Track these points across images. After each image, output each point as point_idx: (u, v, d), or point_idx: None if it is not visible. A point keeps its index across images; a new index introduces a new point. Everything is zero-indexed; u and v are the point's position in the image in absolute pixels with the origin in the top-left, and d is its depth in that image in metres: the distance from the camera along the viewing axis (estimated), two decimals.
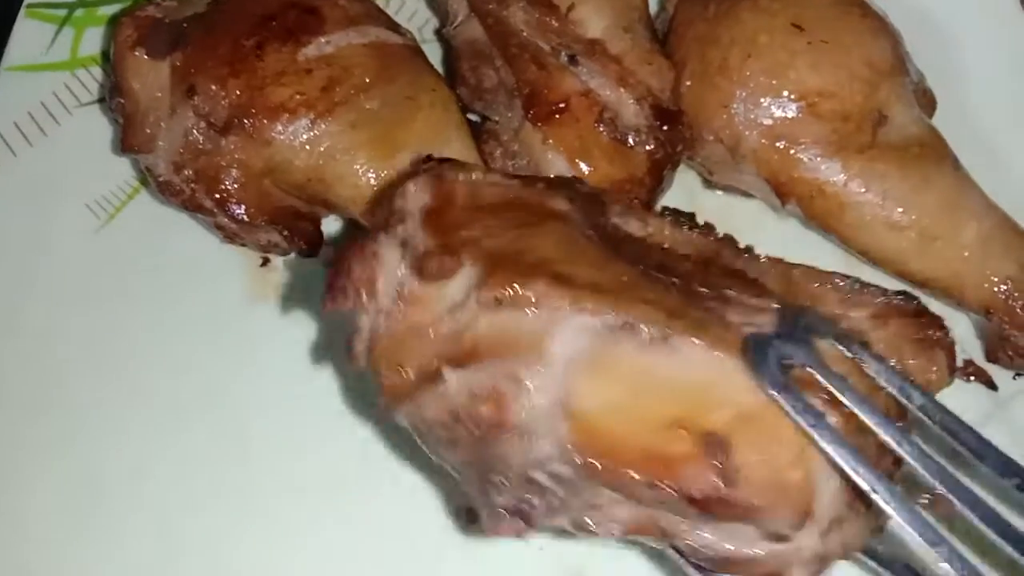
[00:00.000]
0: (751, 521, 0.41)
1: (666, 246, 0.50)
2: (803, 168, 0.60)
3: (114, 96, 0.60)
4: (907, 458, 0.41)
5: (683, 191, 0.66)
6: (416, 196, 0.46)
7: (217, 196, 0.58)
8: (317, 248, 0.61)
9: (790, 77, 0.59)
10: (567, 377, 0.42)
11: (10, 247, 0.62)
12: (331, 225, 0.63)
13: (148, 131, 0.59)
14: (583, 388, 0.41)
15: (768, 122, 0.60)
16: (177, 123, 0.58)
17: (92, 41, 0.70)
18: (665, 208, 0.55)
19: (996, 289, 0.59)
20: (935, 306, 0.61)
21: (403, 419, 0.45)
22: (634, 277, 0.44)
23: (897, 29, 0.64)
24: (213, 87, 0.57)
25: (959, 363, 0.60)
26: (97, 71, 0.69)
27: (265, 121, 0.56)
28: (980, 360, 0.61)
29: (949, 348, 0.50)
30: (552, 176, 0.54)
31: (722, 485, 0.40)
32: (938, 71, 0.66)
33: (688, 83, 0.62)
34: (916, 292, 0.60)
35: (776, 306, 0.45)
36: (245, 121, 0.56)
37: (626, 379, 0.41)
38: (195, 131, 0.58)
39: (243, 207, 0.58)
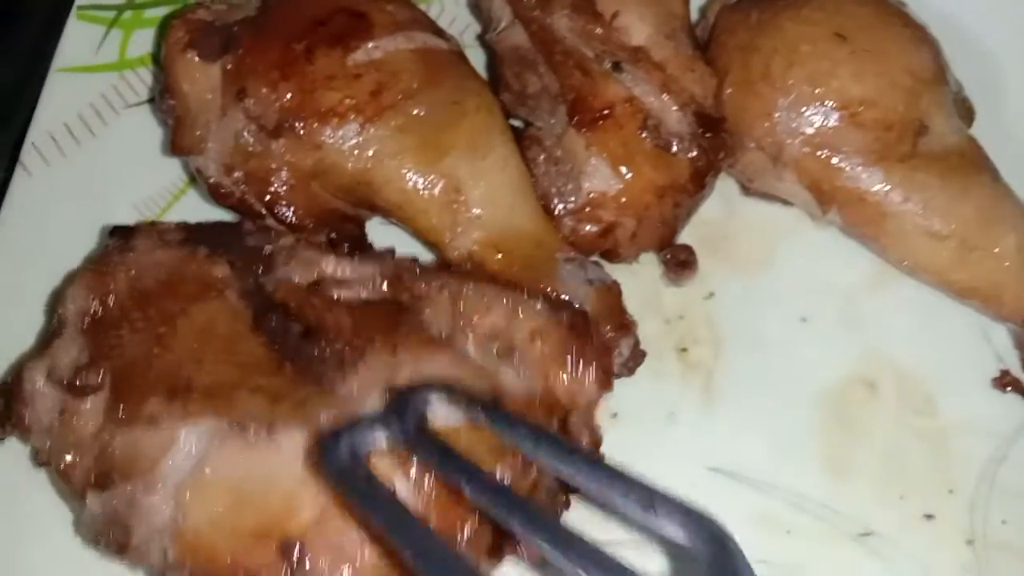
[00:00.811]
0: None
1: (334, 294, 0.53)
2: (845, 177, 0.60)
3: (164, 98, 0.61)
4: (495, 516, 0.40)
5: (720, 198, 0.67)
6: (75, 302, 0.53)
7: (267, 198, 0.59)
8: (361, 250, 0.62)
9: (832, 86, 0.60)
10: (177, 495, 0.46)
11: (61, 244, 0.63)
12: (375, 229, 0.64)
13: (198, 133, 0.60)
14: (190, 503, 0.46)
15: (810, 131, 0.60)
16: (228, 125, 0.59)
17: (140, 43, 0.71)
18: (341, 241, 0.58)
19: None
20: (971, 317, 0.62)
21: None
22: (260, 357, 0.49)
23: (936, 39, 0.65)
24: (264, 90, 0.58)
25: (996, 373, 0.62)
26: (144, 72, 0.70)
27: (315, 124, 0.57)
28: (1017, 370, 0.62)
29: (603, 363, 0.51)
30: (221, 227, 0.58)
31: None
32: (976, 81, 0.66)
33: (730, 91, 0.63)
34: (956, 301, 0.62)
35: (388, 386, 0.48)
36: (296, 124, 0.57)
37: (228, 489, 0.46)
38: (246, 133, 0.58)
39: (292, 209, 0.59)
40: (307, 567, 0.45)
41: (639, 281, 0.65)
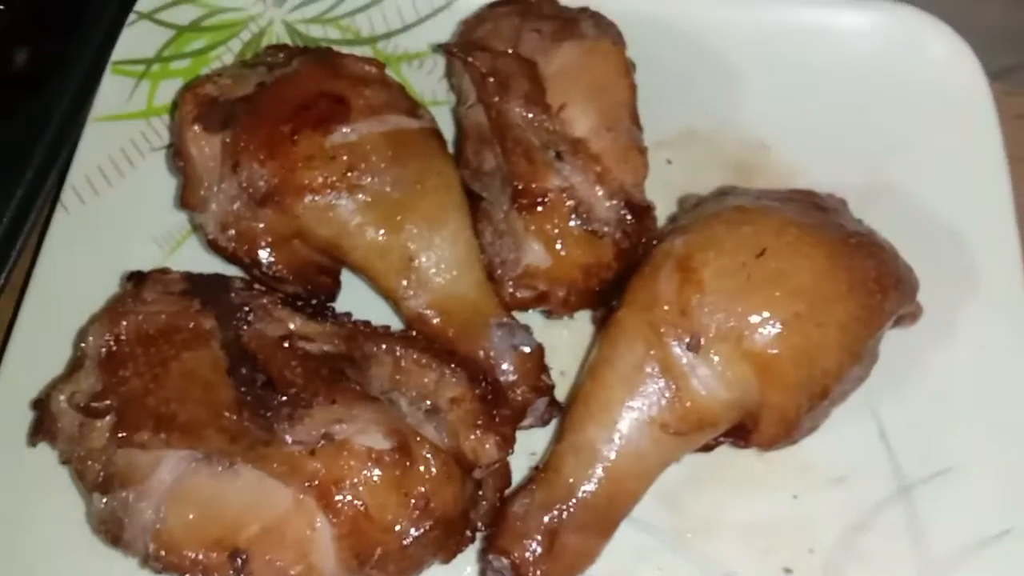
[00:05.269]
0: None
1: (300, 345, 0.65)
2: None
3: (176, 159, 0.72)
4: None
5: None
6: (94, 339, 0.65)
7: (253, 256, 0.70)
8: (333, 297, 0.74)
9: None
10: (161, 503, 0.59)
11: (88, 275, 0.75)
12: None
13: (202, 193, 0.71)
14: (168, 512, 0.60)
15: None
16: (225, 191, 0.70)
17: (166, 93, 0.82)
18: (315, 294, 0.72)
19: None
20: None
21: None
22: (228, 401, 0.61)
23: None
24: (254, 165, 0.68)
25: (877, 444, 0.70)
26: (168, 119, 0.82)
27: (295, 198, 0.68)
28: None
29: (503, 431, 0.63)
30: (214, 280, 0.70)
31: None
32: None
33: None
34: None
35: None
36: (278, 197, 0.68)
37: (196, 504, 0.60)
38: (238, 200, 0.69)
39: (273, 266, 0.70)
40: (248, 571, 0.58)
41: (574, 334, 0.75)
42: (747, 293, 0.61)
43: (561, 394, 0.71)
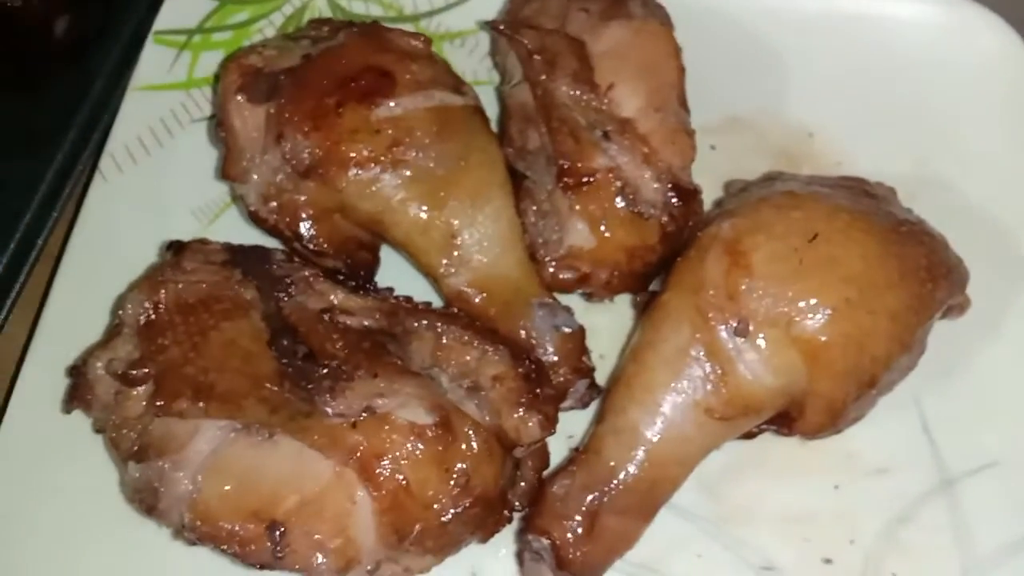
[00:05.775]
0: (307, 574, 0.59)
1: (341, 319, 0.64)
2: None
3: (218, 129, 0.72)
4: None
5: None
6: (132, 307, 0.65)
7: (295, 228, 0.69)
8: (372, 273, 0.73)
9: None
10: (197, 473, 0.59)
11: (125, 245, 0.75)
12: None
13: (244, 164, 0.70)
14: (205, 482, 0.59)
15: None
16: (268, 162, 0.69)
17: (207, 64, 0.81)
18: (355, 268, 0.71)
19: None
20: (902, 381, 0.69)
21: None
22: (268, 372, 0.60)
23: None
24: (298, 137, 0.68)
25: (920, 436, 0.69)
26: (209, 91, 0.81)
27: (339, 171, 0.67)
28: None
29: (546, 410, 0.62)
30: (255, 252, 0.69)
31: (273, 558, 0.58)
32: None
33: None
34: None
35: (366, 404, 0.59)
36: (321, 170, 0.67)
37: (234, 475, 0.59)
38: (281, 172, 0.69)
39: (314, 240, 0.70)
40: (286, 543, 0.58)
41: (615, 318, 0.74)
42: (798, 278, 0.60)
43: (600, 378, 0.70)
